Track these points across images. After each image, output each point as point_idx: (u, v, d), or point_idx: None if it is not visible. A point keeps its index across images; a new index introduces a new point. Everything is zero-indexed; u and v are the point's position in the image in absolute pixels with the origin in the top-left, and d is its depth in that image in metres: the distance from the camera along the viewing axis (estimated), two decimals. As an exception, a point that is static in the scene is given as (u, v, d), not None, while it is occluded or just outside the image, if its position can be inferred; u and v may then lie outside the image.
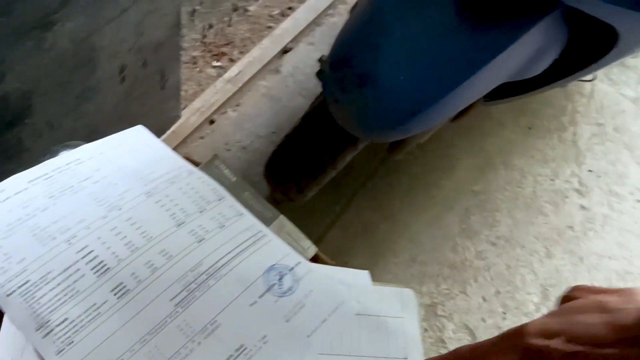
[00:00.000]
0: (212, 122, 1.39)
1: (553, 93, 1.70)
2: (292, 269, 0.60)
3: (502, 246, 1.39)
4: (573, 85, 1.72)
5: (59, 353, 0.51)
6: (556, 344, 0.35)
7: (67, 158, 0.64)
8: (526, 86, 1.23)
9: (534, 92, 1.26)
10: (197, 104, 1.37)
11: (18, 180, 0.60)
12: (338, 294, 0.59)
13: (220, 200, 0.65)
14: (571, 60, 1.12)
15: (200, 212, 0.63)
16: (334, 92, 0.84)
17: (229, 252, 0.60)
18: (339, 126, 0.90)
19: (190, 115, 1.34)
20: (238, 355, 0.54)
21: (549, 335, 0.36)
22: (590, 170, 1.56)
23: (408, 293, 0.61)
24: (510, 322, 1.28)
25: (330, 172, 1.00)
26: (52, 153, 0.65)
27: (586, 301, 0.38)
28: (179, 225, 0.61)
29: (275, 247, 0.62)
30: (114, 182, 0.63)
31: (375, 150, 1.37)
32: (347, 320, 0.58)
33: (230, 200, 0.65)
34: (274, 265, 0.60)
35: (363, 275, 0.62)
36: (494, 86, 0.95)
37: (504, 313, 1.29)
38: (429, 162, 1.47)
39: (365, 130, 0.85)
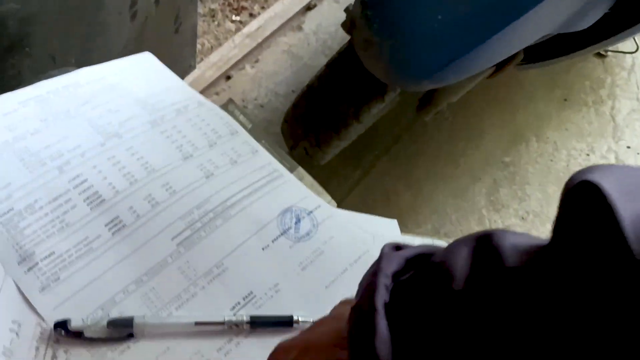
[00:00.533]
0: (228, 77, 1.32)
1: (591, 65, 1.59)
2: (310, 212, 0.53)
3: (531, 221, 1.31)
4: (613, 57, 1.61)
5: (42, 290, 0.45)
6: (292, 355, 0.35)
7: (64, 80, 0.57)
8: (564, 47, 1.14)
9: (571, 55, 1.17)
10: (213, 57, 1.29)
11: (7, 101, 0.54)
12: (362, 243, 0.52)
13: (233, 135, 0.58)
14: (618, 18, 1.03)
15: (210, 146, 0.56)
16: (365, 32, 0.76)
17: (241, 191, 0.53)
18: (366, 75, 0.82)
19: (206, 69, 1.27)
20: (246, 304, 0.47)
21: (288, 349, 0.35)
22: (628, 147, 1.46)
23: (442, 246, 0.54)
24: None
25: (353, 127, 0.92)
26: (48, 77, 0.58)
27: (333, 312, 0.37)
28: (185, 158, 0.54)
29: (293, 188, 0.55)
30: (114, 108, 0.56)
31: (400, 114, 1.29)
32: (372, 271, 0.51)
33: (244, 135, 0.58)
34: (290, 207, 0.53)
35: (391, 225, 0.55)
36: (538, 36, 0.86)
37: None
38: (456, 130, 1.39)
39: (397, 76, 0.77)
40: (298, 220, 0.52)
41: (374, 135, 1.27)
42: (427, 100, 1.01)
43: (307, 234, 0.52)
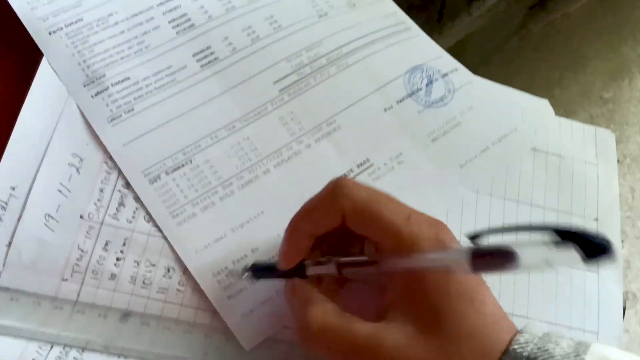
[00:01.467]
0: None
1: None
2: (445, 75, 0.42)
3: (628, 165, 1.17)
4: None
5: (112, 120, 0.35)
6: None
7: None
8: None
9: None
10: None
11: None
12: (508, 118, 0.41)
13: (350, -25, 0.46)
14: None
15: (323, -17, 0.44)
16: None
17: (360, 38, 0.42)
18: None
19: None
20: (361, 172, 0.37)
21: None
22: None
23: (606, 134, 0.42)
24: (627, 252, 1.08)
25: (459, 21, 0.79)
26: None
27: None
28: (293, -9, 0.43)
29: (425, 44, 0.43)
30: None
31: (494, 33, 1.14)
32: (518, 154, 0.40)
33: (364, -23, 0.46)
34: (421, 65, 0.42)
35: (542, 103, 0.43)
36: None
37: (622, 241, 1.08)
38: (555, 58, 1.23)
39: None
40: (430, 82, 0.41)
41: (461, 53, 1.14)
42: (542, 3, 0.87)
43: (441, 99, 0.40)
